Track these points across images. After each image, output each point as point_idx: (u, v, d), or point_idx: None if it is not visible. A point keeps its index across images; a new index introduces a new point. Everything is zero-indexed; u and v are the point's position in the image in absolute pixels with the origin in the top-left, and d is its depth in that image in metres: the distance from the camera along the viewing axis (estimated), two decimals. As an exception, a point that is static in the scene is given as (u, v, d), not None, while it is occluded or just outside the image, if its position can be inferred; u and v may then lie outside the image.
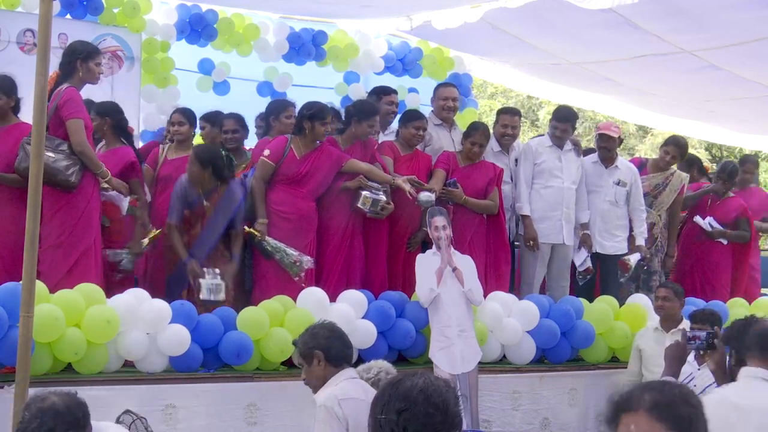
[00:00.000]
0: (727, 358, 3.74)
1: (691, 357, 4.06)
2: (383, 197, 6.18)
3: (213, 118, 6.83)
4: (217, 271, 5.73)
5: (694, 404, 1.95)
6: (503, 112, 7.32)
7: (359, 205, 6.14)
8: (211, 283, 5.67)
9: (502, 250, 6.76)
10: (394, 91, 7.47)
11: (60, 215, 5.45)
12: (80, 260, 5.46)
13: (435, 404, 2.10)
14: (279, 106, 6.93)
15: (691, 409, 1.93)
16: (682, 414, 1.91)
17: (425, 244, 6.47)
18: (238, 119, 6.88)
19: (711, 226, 7.70)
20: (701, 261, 7.82)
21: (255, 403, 5.30)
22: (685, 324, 5.62)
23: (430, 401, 2.10)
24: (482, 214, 6.69)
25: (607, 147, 7.24)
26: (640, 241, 7.24)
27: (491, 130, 6.97)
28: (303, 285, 5.85)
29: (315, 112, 6.10)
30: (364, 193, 6.13)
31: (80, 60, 5.57)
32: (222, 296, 5.70)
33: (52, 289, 5.07)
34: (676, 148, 7.65)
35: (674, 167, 7.72)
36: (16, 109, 5.61)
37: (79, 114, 5.47)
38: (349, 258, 6.28)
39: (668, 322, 6.02)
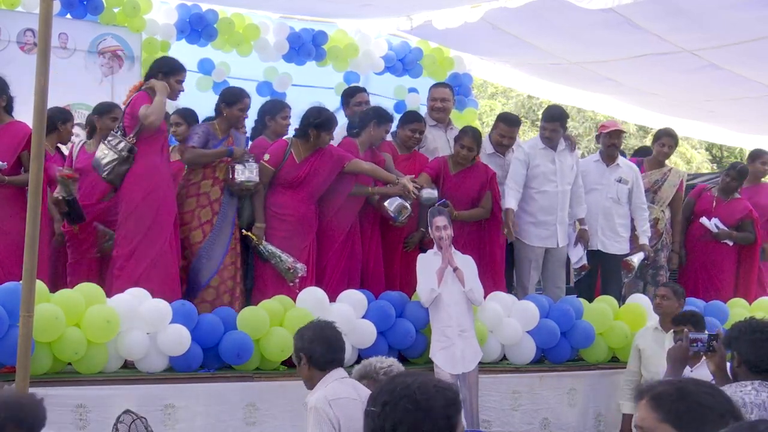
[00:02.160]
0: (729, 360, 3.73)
1: None
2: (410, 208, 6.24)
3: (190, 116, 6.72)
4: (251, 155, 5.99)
5: (701, 402, 2.05)
6: (503, 120, 7.04)
7: (391, 211, 6.15)
8: (245, 166, 5.86)
9: (498, 252, 6.71)
10: (363, 90, 7.46)
11: (132, 219, 5.54)
12: (156, 262, 5.54)
13: (416, 401, 2.10)
14: (276, 106, 6.88)
15: (691, 405, 2.05)
16: (677, 408, 2.06)
17: (423, 246, 6.46)
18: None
19: (717, 227, 7.62)
20: (705, 261, 7.75)
21: (254, 403, 5.30)
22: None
23: (411, 398, 2.11)
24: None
25: (616, 144, 7.22)
26: (644, 240, 7.21)
27: (489, 132, 6.93)
28: (297, 291, 5.84)
29: (323, 121, 6.07)
30: (399, 201, 6.15)
31: (162, 74, 5.65)
32: (256, 176, 5.89)
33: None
34: (670, 138, 7.68)
35: (670, 163, 7.71)
36: (8, 108, 5.59)
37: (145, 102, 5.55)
38: (351, 258, 6.27)
39: (667, 321, 6.01)
